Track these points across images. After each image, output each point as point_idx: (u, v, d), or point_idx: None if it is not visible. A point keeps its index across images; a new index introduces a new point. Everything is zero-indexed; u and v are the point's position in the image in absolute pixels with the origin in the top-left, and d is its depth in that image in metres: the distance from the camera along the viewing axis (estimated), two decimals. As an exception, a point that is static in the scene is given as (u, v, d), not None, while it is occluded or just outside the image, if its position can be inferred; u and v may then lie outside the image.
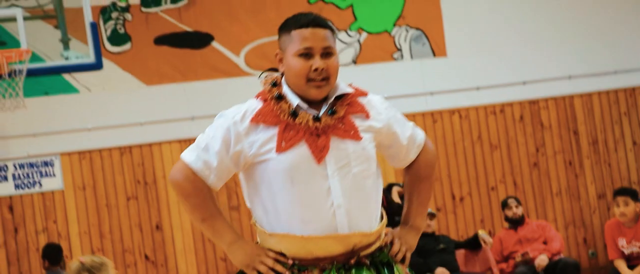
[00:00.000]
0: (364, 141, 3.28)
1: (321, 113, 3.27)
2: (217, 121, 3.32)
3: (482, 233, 10.04)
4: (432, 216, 9.95)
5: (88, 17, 8.76)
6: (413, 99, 10.88)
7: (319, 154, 3.22)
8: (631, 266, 9.24)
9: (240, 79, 10.49)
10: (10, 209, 9.94)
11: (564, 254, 10.08)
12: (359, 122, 3.31)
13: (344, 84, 3.36)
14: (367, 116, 3.33)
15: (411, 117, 10.83)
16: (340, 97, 3.33)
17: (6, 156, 9.96)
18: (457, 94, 11.01)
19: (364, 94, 3.39)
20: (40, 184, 10.02)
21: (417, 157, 3.50)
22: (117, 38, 10.38)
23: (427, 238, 9.64)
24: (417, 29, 11.05)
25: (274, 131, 3.24)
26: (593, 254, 11.13)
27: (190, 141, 11.90)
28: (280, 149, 3.22)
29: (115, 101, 10.29)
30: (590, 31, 11.39)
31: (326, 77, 3.25)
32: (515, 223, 10.15)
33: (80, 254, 10.00)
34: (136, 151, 10.24)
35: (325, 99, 3.31)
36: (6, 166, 9.98)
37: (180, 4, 10.52)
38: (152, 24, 10.45)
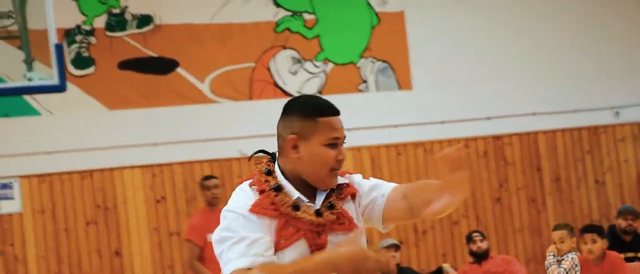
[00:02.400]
0: (361, 229, 3.20)
1: (319, 206, 3.17)
2: (227, 218, 3.14)
3: (446, 267, 10.01)
4: (396, 247, 9.91)
5: (53, 39, 8.65)
6: (377, 131, 10.86)
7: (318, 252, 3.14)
8: (595, 304, 9.24)
9: (204, 105, 10.42)
10: (-33, 231, 9.80)
11: (525, 291, 10.07)
12: (352, 211, 3.25)
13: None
14: (355, 195, 3.25)
15: (375, 149, 10.81)
16: (337, 188, 3.24)
17: (-36, 178, 9.83)
18: (421, 128, 11.01)
19: (345, 174, 3.29)
20: (-2, 207, 9.89)
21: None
22: (81, 61, 10.29)
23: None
24: (383, 61, 11.05)
25: (272, 224, 3.12)
26: (553, 291, 11.14)
27: (152, 167, 11.65)
28: (278, 247, 3.11)
29: (77, 124, 10.18)
30: (555, 69, 11.45)
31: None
32: (480, 257, 10.12)
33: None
34: (97, 176, 10.12)
35: (315, 189, 3.20)
36: (-36, 188, 9.84)
37: (145, 29, 10.45)
38: (117, 48, 10.37)
